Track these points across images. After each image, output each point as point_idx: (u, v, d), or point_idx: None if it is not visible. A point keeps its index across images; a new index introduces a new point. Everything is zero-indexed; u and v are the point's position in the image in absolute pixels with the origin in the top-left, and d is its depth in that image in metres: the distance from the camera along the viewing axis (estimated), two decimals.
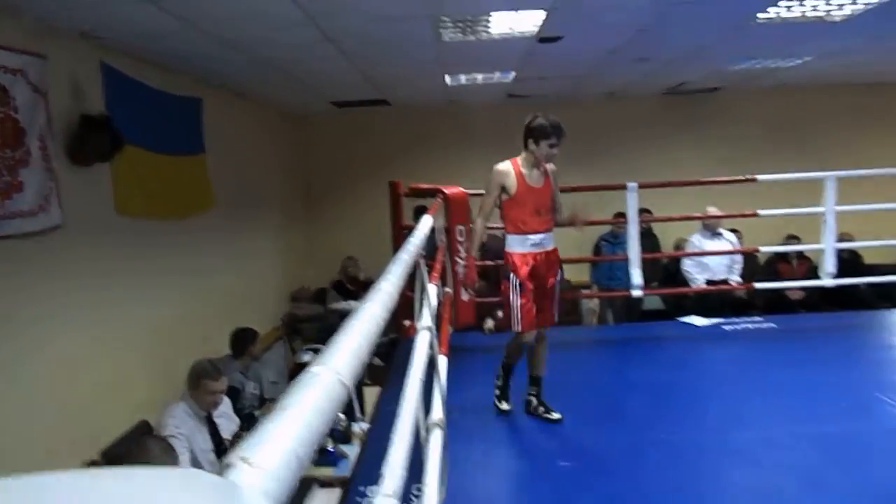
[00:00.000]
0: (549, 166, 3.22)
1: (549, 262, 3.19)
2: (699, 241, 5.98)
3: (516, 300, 3.11)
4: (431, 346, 1.78)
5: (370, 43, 4.07)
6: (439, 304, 4.22)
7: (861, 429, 3.03)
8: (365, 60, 4.66)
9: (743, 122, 7.70)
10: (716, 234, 5.88)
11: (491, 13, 3.54)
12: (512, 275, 3.13)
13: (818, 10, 3.75)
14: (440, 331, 3.40)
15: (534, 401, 3.30)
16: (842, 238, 5.30)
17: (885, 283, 5.34)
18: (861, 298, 6.26)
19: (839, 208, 4.83)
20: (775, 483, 2.58)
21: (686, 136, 7.70)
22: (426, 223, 2.40)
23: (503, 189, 3.13)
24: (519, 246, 3.15)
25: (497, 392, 3.39)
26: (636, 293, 4.93)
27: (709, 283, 5.67)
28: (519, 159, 3.17)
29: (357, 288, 6.72)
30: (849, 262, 6.33)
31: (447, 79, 5.66)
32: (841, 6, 3.69)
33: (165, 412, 3.25)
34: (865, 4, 3.67)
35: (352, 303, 6.29)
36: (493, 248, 5.33)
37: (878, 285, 5.69)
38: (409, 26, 3.74)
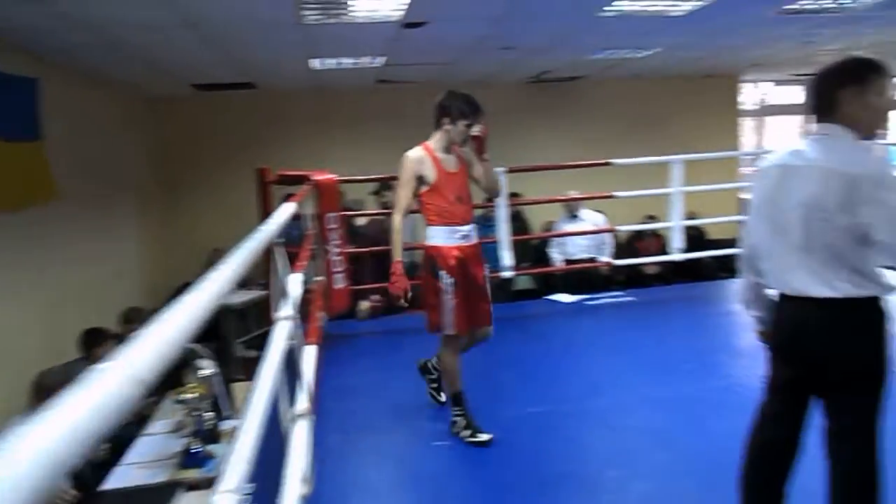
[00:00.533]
0: (463, 150, 2.88)
1: (476, 254, 2.88)
2: (561, 223, 6.37)
3: (449, 300, 2.75)
4: (292, 337, 1.74)
5: (229, 25, 3.88)
6: (307, 292, 4.16)
7: (703, 388, 3.33)
8: (225, 43, 4.44)
9: (602, 109, 8.17)
10: (573, 217, 6.30)
11: None
12: (442, 272, 2.74)
13: (659, 6, 4.05)
14: (308, 320, 3.35)
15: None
16: (689, 216, 5.80)
17: (725, 256, 5.90)
18: (706, 270, 6.90)
19: (685, 189, 5.27)
20: (627, 445, 2.77)
21: (551, 123, 8.05)
22: (286, 210, 2.32)
23: (420, 179, 2.78)
24: (446, 238, 2.78)
25: (467, 430, 2.84)
26: (507, 274, 5.12)
27: (570, 262, 6.05)
28: (431, 143, 2.83)
29: None
30: (695, 238, 6.94)
31: (314, 62, 5.53)
32: (678, 3, 4.01)
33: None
34: (702, 1, 4.01)
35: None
36: (370, 234, 5.32)
37: (719, 258, 6.28)
38: (270, 8, 3.61)
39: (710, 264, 6.99)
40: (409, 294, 2.82)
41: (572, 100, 8.14)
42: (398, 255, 2.83)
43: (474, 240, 2.86)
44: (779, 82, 9.32)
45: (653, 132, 8.17)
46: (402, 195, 2.81)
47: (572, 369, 3.80)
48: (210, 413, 2.94)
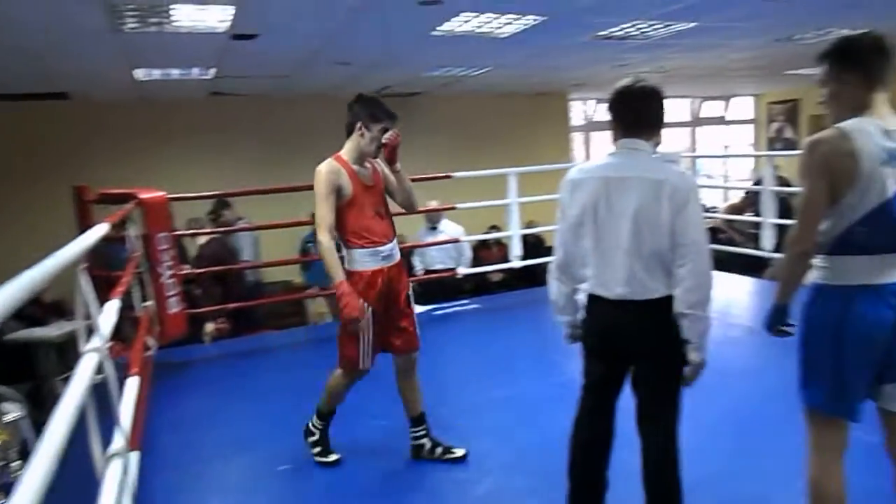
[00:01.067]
0: (377, 161, 2.69)
1: (399, 272, 2.66)
2: (421, 235, 6.55)
3: (368, 333, 2.55)
4: (102, 370, 1.60)
5: (36, 30, 3.51)
6: (132, 319, 3.85)
7: (542, 386, 3.54)
8: (32, 49, 4.01)
9: (443, 124, 8.43)
10: (433, 229, 6.51)
11: (172, 5, 3.31)
12: (361, 301, 2.49)
13: (485, 28, 4.28)
14: (132, 349, 3.10)
15: (427, 443, 2.75)
16: (529, 225, 6.14)
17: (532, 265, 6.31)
18: (545, 275, 7.31)
19: (521, 200, 5.59)
20: (472, 447, 2.86)
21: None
22: (95, 232, 2.11)
23: (339, 192, 2.50)
24: (370, 262, 2.51)
25: (317, 448, 2.78)
26: None
27: (428, 272, 6.19)
28: (344, 154, 2.57)
29: (43, 312, 5.77)
30: (534, 245, 7.36)
31: (139, 73, 5.16)
32: (502, 25, 4.27)
33: None
34: (524, 25, 4.29)
35: (36, 330, 5.39)
36: (212, 254, 5.02)
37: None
38: (82, 14, 3.31)
39: (544, 270, 7.43)
40: (368, 309, 2.52)
41: (413, 115, 8.30)
42: (340, 275, 2.45)
43: (397, 257, 2.64)
44: (601, 100, 10.22)
45: (491, 146, 8.58)
46: (324, 212, 2.47)
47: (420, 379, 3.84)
48: (17, 462, 2.62)
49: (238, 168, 7.25)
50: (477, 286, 7.21)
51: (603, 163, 1.97)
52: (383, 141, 2.57)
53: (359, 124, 2.54)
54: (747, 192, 7.14)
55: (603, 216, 1.91)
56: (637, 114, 1.94)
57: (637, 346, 1.95)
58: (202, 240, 5.13)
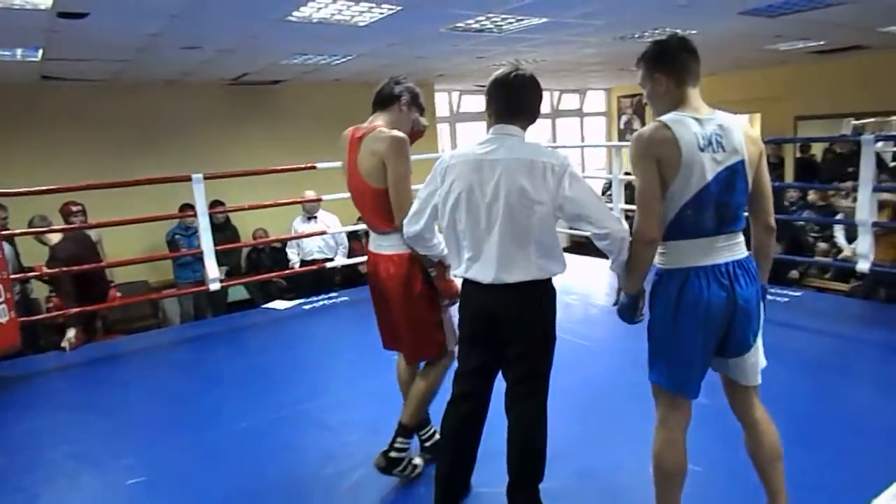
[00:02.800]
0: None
1: None
2: (298, 225, 6.59)
3: (448, 315, 2.39)
4: None
5: None
6: None
7: None
8: None
9: (307, 113, 8.21)
10: (311, 218, 6.51)
11: None
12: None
13: (344, 14, 4.21)
14: None
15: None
16: None
17: None
18: None
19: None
20: (343, 440, 2.86)
21: (256, 127, 7.84)
22: None
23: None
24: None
25: (417, 468, 2.50)
26: (214, 286, 4.85)
27: (305, 262, 6.23)
28: (388, 126, 2.31)
29: None
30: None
31: None
32: (359, 13, 4.22)
33: None
34: (381, 14, 4.27)
35: None
36: (68, 256, 4.47)
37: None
38: None
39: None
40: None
41: (276, 103, 8.04)
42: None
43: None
44: (464, 92, 10.44)
45: None
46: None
47: (290, 376, 3.77)
48: None
49: (79, 162, 6.65)
50: (346, 278, 7.15)
51: (476, 147, 2.00)
52: (421, 127, 2.47)
53: (406, 99, 2.38)
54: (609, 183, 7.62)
55: (477, 200, 1.95)
56: (512, 101, 1.99)
57: (512, 328, 1.99)
58: (54, 239, 4.62)
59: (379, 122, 2.31)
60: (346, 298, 5.51)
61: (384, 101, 2.36)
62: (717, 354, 1.88)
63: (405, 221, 2.18)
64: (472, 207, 1.96)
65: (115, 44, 4.55)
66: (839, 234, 5.93)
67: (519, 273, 1.94)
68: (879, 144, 6.24)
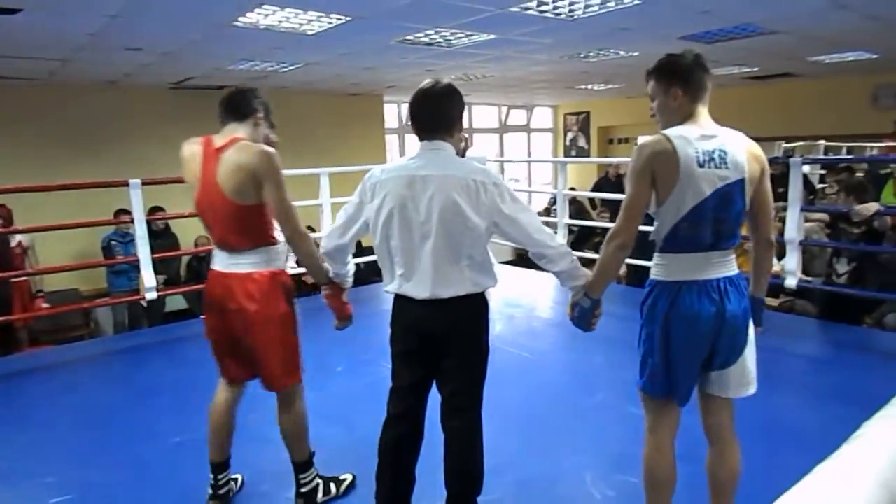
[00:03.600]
0: None
1: None
2: None
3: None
4: None
5: None
6: None
7: (354, 387, 3.54)
8: None
9: None
10: None
11: None
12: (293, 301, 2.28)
13: (292, 22, 4.17)
14: None
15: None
16: None
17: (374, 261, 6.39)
18: (360, 275, 7.31)
19: (335, 200, 5.53)
20: (277, 456, 2.76)
21: (200, 132, 7.56)
22: None
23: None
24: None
25: (331, 492, 2.45)
26: (150, 296, 4.68)
27: None
28: (249, 138, 2.20)
29: None
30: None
31: None
32: (308, 22, 4.19)
33: None
34: (329, 24, 4.25)
35: None
36: None
37: (371, 263, 6.77)
38: None
39: (363, 269, 7.49)
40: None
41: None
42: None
43: None
44: None
45: (305, 145, 8.41)
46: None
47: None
48: None
49: (12, 163, 6.35)
50: (299, 287, 7.01)
51: (407, 163, 1.98)
52: (271, 142, 2.32)
53: (262, 113, 2.28)
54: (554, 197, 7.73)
55: (410, 216, 1.93)
56: (435, 114, 1.97)
57: (446, 343, 1.99)
58: None
59: (239, 135, 2.17)
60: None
61: (241, 112, 2.23)
62: (704, 369, 1.92)
63: (325, 234, 2.17)
64: (404, 223, 1.94)
65: (51, 42, 4.39)
66: None
67: (453, 288, 1.94)
68: (807, 167, 6.60)
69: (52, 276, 5.76)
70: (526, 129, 12.90)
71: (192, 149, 2.22)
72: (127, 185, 4.53)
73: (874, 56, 6.67)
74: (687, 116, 1.88)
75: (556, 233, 5.79)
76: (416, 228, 1.93)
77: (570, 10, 4.25)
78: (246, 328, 2.18)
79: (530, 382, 3.54)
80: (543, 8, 4.14)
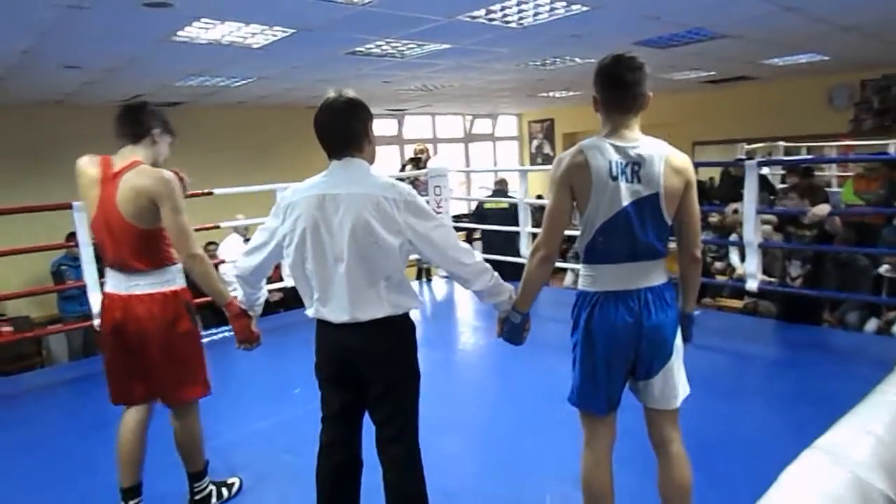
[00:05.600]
0: None
1: None
2: (238, 245, 6.21)
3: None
4: None
5: None
6: None
7: (309, 411, 3.41)
8: None
9: (206, 137, 7.90)
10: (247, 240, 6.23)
11: None
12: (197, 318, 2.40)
13: (235, 36, 4.07)
14: None
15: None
16: None
17: None
18: None
19: None
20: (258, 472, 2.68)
21: None
22: None
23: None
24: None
25: (222, 496, 2.56)
26: (97, 322, 4.50)
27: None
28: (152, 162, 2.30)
29: None
30: None
31: None
32: (251, 35, 4.09)
33: None
34: (274, 36, 4.15)
35: None
36: None
37: None
38: None
39: None
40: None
41: (176, 126, 7.69)
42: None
43: None
44: (376, 116, 10.40)
45: (258, 160, 8.28)
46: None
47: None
48: None
49: None
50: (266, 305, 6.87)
51: (318, 182, 1.89)
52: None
53: (158, 130, 2.35)
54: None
55: (323, 237, 1.84)
56: (339, 130, 1.87)
57: (369, 368, 1.90)
58: None
59: (138, 157, 2.23)
60: None
61: (136, 133, 2.28)
62: (632, 378, 1.91)
63: (241, 255, 2.10)
64: (317, 245, 1.85)
65: None
66: (733, 254, 6.21)
67: (371, 310, 1.84)
68: (766, 169, 6.65)
69: (2, 304, 5.54)
70: (491, 137, 12.90)
71: (90, 171, 2.24)
72: (70, 207, 4.36)
73: (826, 58, 6.77)
74: (608, 126, 1.84)
75: (521, 241, 5.74)
76: (329, 250, 1.84)
77: (520, 19, 4.21)
78: (149, 347, 2.22)
79: (490, 399, 3.46)
80: (492, 16, 4.10)
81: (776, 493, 1.81)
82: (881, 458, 1.94)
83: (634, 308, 1.80)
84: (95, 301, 4.50)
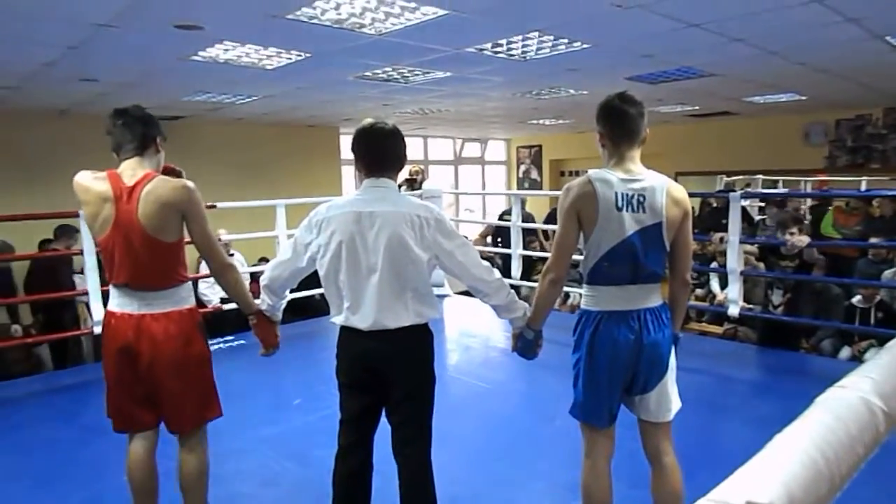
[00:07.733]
0: None
1: None
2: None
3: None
4: None
5: None
6: None
7: (310, 420, 3.51)
8: None
9: (209, 152, 8.03)
10: (231, 255, 6.27)
11: None
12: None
13: (252, 57, 4.23)
14: None
15: None
16: None
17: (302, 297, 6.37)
18: (316, 305, 7.30)
19: (290, 232, 5.53)
20: (236, 490, 2.74)
21: None
22: None
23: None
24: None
25: None
26: (98, 330, 4.54)
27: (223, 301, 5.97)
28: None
29: None
30: (307, 277, 7.29)
31: None
32: (267, 58, 4.25)
33: None
34: (289, 59, 4.32)
35: None
36: None
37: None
38: None
39: (318, 300, 7.44)
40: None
41: (176, 140, 7.74)
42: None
43: None
44: None
45: (260, 176, 8.39)
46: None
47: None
48: None
49: None
50: (244, 321, 6.92)
51: (353, 199, 2.05)
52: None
53: (160, 138, 2.25)
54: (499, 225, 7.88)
55: (358, 250, 1.99)
56: (379, 154, 2.07)
57: (391, 374, 2.04)
58: None
59: (148, 169, 2.14)
60: (243, 342, 5.32)
61: (141, 144, 2.16)
62: (627, 393, 2.04)
63: (270, 266, 2.24)
64: (352, 258, 2.00)
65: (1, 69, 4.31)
66: (714, 281, 6.45)
67: (397, 319, 2.00)
68: (746, 201, 6.93)
69: None
70: (480, 161, 13.14)
71: (97, 187, 2.10)
72: (77, 215, 4.44)
73: (804, 98, 7.13)
74: (614, 158, 2.01)
75: (512, 263, 5.93)
76: (363, 262, 2.00)
77: (523, 52, 4.43)
78: (163, 368, 2.12)
79: (487, 412, 3.58)
80: (498, 49, 4.32)
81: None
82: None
83: (635, 327, 1.96)
84: (97, 309, 4.56)
